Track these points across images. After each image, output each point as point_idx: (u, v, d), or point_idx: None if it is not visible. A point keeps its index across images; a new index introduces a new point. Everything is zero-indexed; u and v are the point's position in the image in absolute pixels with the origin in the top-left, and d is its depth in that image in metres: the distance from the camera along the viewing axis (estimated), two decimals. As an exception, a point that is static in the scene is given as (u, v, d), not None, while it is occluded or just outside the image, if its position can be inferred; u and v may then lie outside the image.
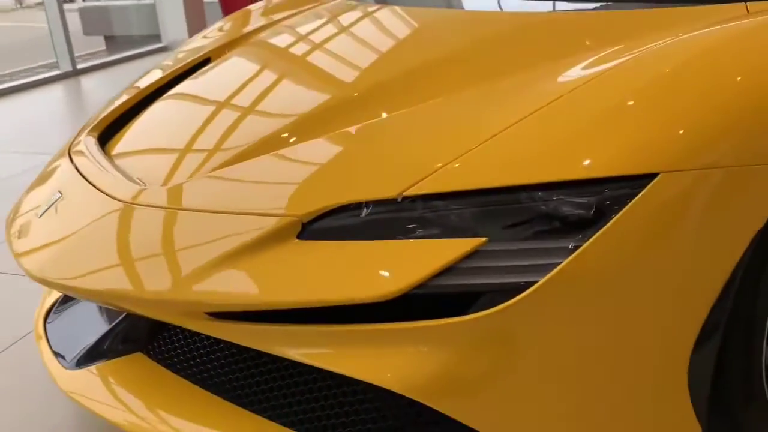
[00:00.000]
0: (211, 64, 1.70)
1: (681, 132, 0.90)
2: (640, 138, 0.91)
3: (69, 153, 1.42)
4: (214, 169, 1.15)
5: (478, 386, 0.88)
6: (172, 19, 6.60)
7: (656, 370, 0.95)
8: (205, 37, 1.98)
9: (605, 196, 0.88)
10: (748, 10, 1.19)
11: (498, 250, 0.89)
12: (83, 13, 8.77)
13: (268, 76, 1.53)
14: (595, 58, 1.08)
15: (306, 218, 0.97)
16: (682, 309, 0.93)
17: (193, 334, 1.14)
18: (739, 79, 0.97)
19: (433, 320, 0.86)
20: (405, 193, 0.94)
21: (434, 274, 0.87)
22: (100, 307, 1.32)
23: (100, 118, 1.55)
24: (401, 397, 0.89)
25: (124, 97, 1.63)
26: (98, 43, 8.08)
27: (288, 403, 1.01)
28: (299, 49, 1.68)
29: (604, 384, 0.93)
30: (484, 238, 0.89)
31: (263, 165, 1.12)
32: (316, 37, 1.70)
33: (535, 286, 0.84)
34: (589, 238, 0.85)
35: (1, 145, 3.47)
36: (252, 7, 2.16)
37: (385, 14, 1.69)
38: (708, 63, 1.00)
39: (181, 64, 1.72)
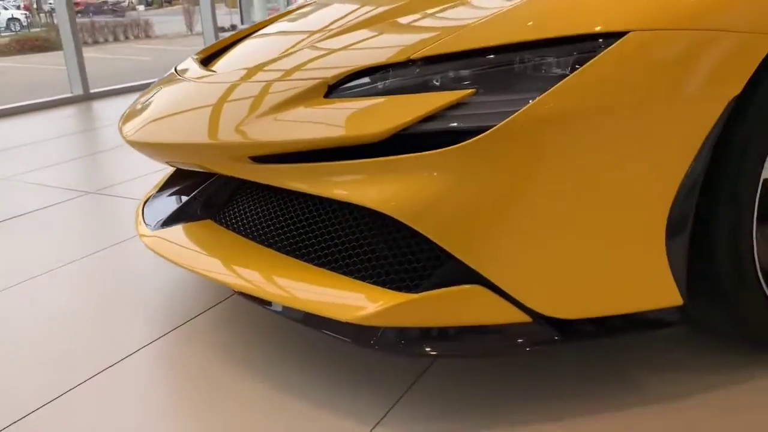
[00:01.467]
0: (299, 11, 1.98)
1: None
2: (614, 3, 1.01)
3: (175, 69, 1.73)
4: (267, 66, 1.39)
5: (456, 215, 1.01)
6: None
7: (627, 221, 1.02)
8: None
9: (577, 52, 0.99)
10: None
11: (482, 101, 1.02)
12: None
13: (334, 10, 1.77)
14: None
15: (331, 81, 1.16)
16: (650, 170, 1.00)
17: (246, 205, 1.37)
18: None
19: (415, 153, 1.01)
20: (413, 57, 1.11)
21: (422, 118, 1.02)
22: (178, 193, 1.60)
23: (205, 48, 1.87)
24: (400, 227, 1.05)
25: (229, 37, 1.95)
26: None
27: (313, 246, 1.20)
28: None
29: (576, 229, 1.02)
30: (471, 90, 1.02)
31: (304, 53, 1.35)
32: None
33: (492, 129, 0.96)
34: (544, 93, 0.96)
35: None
36: None
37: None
38: None
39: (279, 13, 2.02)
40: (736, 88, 0.99)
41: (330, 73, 1.18)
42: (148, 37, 18.84)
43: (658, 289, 1.06)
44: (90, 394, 1.26)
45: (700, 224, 1.07)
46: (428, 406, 1.16)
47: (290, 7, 2.16)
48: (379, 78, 1.14)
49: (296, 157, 1.14)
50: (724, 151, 1.03)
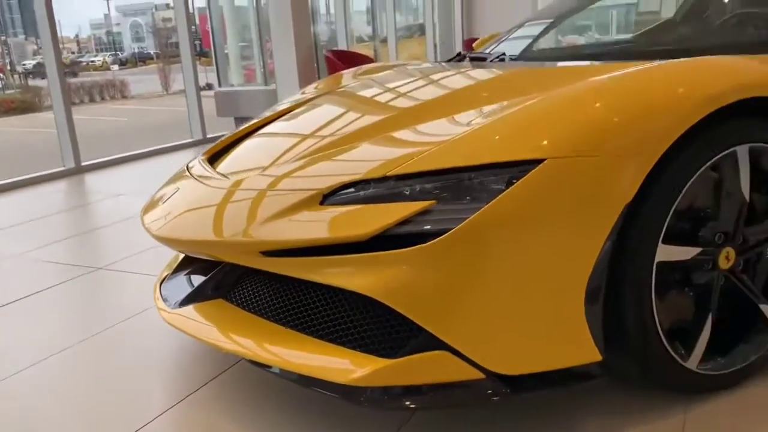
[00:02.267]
0: (295, 111, 2.33)
1: (563, 133, 1.34)
2: (536, 136, 1.36)
3: (187, 167, 2.05)
4: (268, 169, 1.72)
5: (426, 297, 1.32)
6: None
7: (555, 297, 1.34)
8: (302, 92, 2.64)
9: (509, 174, 1.32)
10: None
11: (441, 209, 1.35)
12: (218, 96, 10.13)
13: (326, 113, 2.12)
14: (522, 98, 1.57)
15: (325, 191, 1.49)
16: (570, 258, 1.33)
17: (252, 287, 1.67)
18: (606, 102, 1.41)
19: (392, 251, 1.33)
20: (388, 174, 1.44)
21: (397, 222, 1.34)
22: (190, 274, 1.89)
23: (211, 147, 2.20)
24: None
25: (233, 135, 2.28)
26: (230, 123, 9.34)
27: (310, 320, 1.50)
28: (365, 95, 2.28)
29: (516, 304, 1.34)
30: (433, 201, 1.35)
31: (302, 162, 1.68)
32: (375, 90, 2.30)
33: (450, 232, 1.29)
34: (486, 204, 1.30)
35: (143, 190, 4.31)
36: (339, 73, 2.83)
37: (405, 73, 2.25)
38: (592, 93, 1.46)
39: (275, 111, 2.37)
40: (629, 196, 1.33)
41: (324, 184, 1.51)
42: (124, 97, 19.20)
43: (580, 348, 1.38)
44: (128, 451, 1.52)
45: (613, 297, 1.40)
46: (408, 449, 1.45)
47: (285, 103, 2.50)
48: (363, 189, 1.47)
49: (299, 252, 1.45)
50: (624, 243, 1.37)
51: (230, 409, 1.66)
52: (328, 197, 1.49)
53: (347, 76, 2.74)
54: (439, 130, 1.62)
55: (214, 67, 12.32)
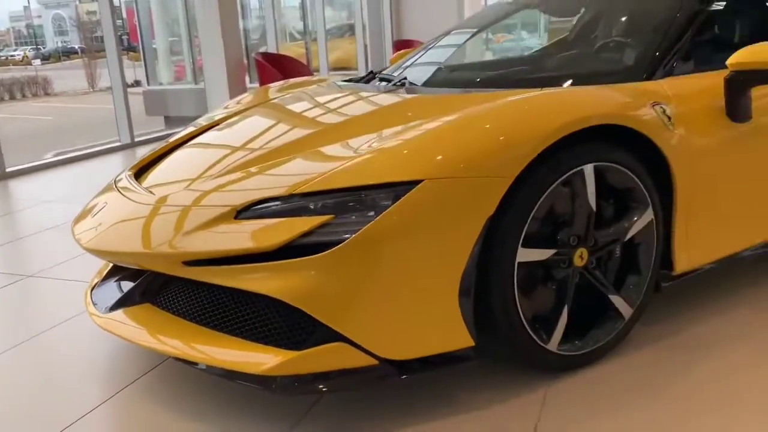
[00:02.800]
0: (218, 126, 2.53)
1: (438, 158, 1.62)
2: (418, 161, 1.63)
3: (114, 182, 2.22)
4: (191, 185, 1.92)
5: (326, 298, 1.56)
6: (219, 101, 7.62)
7: (435, 295, 1.61)
8: (225, 107, 2.84)
9: (395, 192, 1.58)
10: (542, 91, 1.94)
11: (339, 222, 1.59)
12: (146, 95, 10.04)
13: (248, 129, 2.34)
14: (416, 123, 1.84)
15: (239, 207, 1.71)
16: (445, 261, 1.60)
17: (177, 292, 1.86)
18: (475, 133, 1.71)
19: (297, 258, 1.56)
20: (294, 192, 1.67)
21: (301, 234, 1.58)
22: (119, 281, 2.07)
23: (138, 161, 2.37)
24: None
25: (159, 147, 2.45)
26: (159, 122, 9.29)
27: (228, 321, 1.71)
28: (286, 111, 2.50)
29: (402, 301, 1.60)
30: (331, 216, 1.59)
31: (221, 179, 1.90)
32: (296, 107, 2.55)
33: (346, 241, 1.54)
34: (376, 217, 1.55)
35: (71, 196, 4.37)
36: (267, 86, 3.05)
37: (328, 92, 2.51)
38: (465, 124, 1.75)
39: (198, 126, 2.57)
40: (491, 210, 1.62)
41: (239, 201, 1.73)
42: (47, 94, 18.56)
43: (456, 335, 1.65)
44: (64, 442, 1.70)
45: (483, 293, 1.68)
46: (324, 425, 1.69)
47: (205, 120, 2.70)
48: (272, 204, 1.70)
49: (217, 261, 1.66)
50: (491, 248, 1.65)
51: (161, 401, 1.86)
52: (242, 212, 1.71)
53: (273, 90, 2.96)
54: (340, 152, 1.87)
55: (142, 63, 11.80)
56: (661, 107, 1.91)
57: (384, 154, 1.73)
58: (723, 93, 2.01)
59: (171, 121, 9.63)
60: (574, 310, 1.85)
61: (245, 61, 10.62)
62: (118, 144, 6.25)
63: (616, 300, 1.90)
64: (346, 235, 1.56)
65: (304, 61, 12.67)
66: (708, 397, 1.74)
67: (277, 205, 1.69)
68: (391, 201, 1.59)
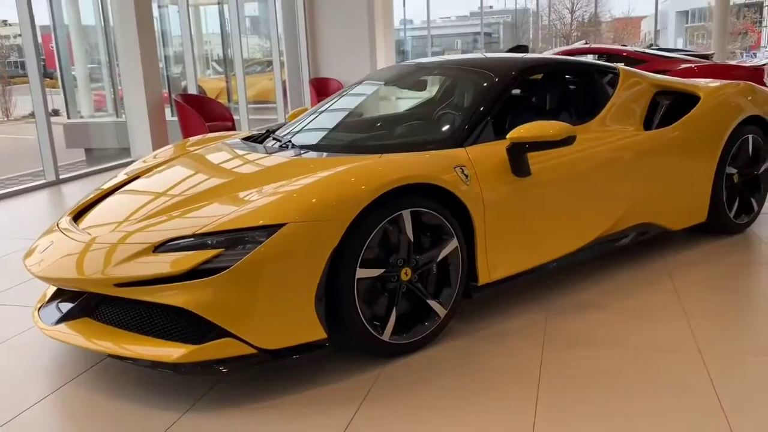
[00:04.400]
0: (147, 174, 3.19)
1: (298, 208, 2.36)
2: (284, 209, 2.37)
3: (57, 224, 2.83)
4: (119, 228, 2.59)
5: (220, 307, 2.26)
6: (140, 135, 7.97)
7: (297, 302, 2.33)
8: (154, 157, 3.49)
9: (267, 232, 2.30)
10: (380, 157, 2.72)
11: (228, 253, 2.29)
12: (67, 128, 10.29)
13: (173, 178, 3.03)
14: (287, 181, 2.59)
15: (156, 244, 2.39)
16: (303, 279, 2.33)
17: (109, 307, 2.50)
18: (324, 190, 2.46)
19: (199, 279, 2.25)
20: (196, 232, 2.37)
21: (201, 263, 2.27)
22: (62, 301, 2.67)
23: (76, 206, 2.99)
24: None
25: (93, 194, 3.08)
26: (79, 154, 9.57)
27: (143, 325, 2.37)
28: (198, 165, 3.18)
29: (273, 308, 2.31)
30: (222, 249, 2.29)
31: (143, 223, 2.57)
32: (212, 158, 3.23)
33: (232, 267, 2.25)
34: (253, 251, 2.27)
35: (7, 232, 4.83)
36: (185, 140, 3.71)
37: (227, 152, 3.23)
38: (321, 183, 2.50)
39: (127, 175, 3.23)
40: (335, 242, 2.36)
41: (156, 239, 2.41)
42: (-44, 123, 18.10)
43: (313, 330, 2.38)
44: None
45: (334, 300, 2.42)
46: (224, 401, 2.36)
47: (144, 164, 3.37)
48: (181, 241, 2.38)
49: (140, 283, 2.32)
50: (338, 269, 2.39)
51: (102, 389, 2.48)
52: (159, 247, 2.39)
53: (188, 145, 3.64)
54: (231, 203, 2.58)
55: (61, 91, 11.39)
56: (461, 168, 2.73)
57: (261, 205, 2.46)
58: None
59: (92, 154, 9.94)
60: (403, 311, 2.62)
61: (167, 92, 10.89)
62: (43, 181, 6.61)
63: (434, 304, 2.68)
64: (232, 264, 2.27)
65: (225, 95, 13.19)
66: (500, 371, 2.53)
67: (184, 241, 2.38)
68: (265, 238, 2.31)
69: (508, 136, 2.84)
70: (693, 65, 7.47)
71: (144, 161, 3.50)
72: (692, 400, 2.25)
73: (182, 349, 2.28)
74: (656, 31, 27.03)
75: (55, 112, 14.98)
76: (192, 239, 2.38)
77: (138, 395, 2.42)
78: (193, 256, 2.31)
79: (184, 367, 2.29)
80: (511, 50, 3.86)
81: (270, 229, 2.32)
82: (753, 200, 3.99)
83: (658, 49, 10.01)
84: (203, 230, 2.39)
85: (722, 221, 3.84)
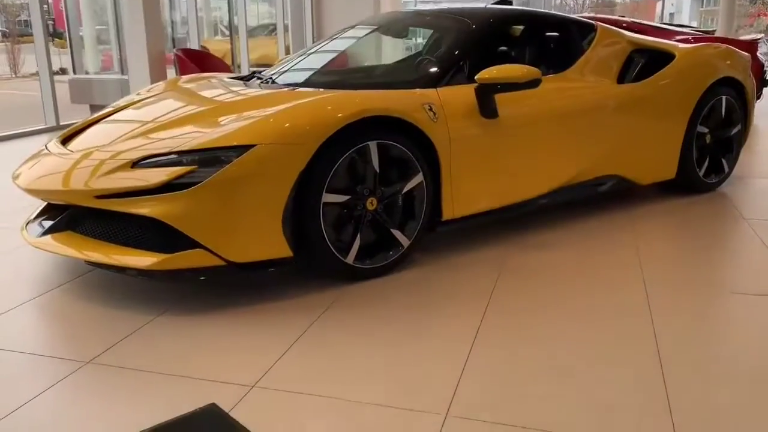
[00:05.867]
0: (136, 105, 3.35)
1: (268, 131, 2.50)
2: (256, 131, 2.51)
3: (46, 146, 2.99)
4: (103, 148, 2.75)
5: (192, 219, 2.42)
6: (141, 89, 8.12)
7: (264, 220, 2.49)
8: (148, 90, 3.65)
9: (237, 152, 2.45)
10: (356, 92, 2.86)
11: (200, 171, 2.44)
12: (72, 83, 10.43)
13: (160, 108, 3.19)
14: (263, 109, 2.73)
15: (135, 160, 2.54)
16: (271, 198, 2.48)
17: (90, 222, 2.66)
18: (295, 117, 2.61)
19: (174, 192, 2.41)
20: (173, 150, 2.53)
21: (175, 177, 2.42)
22: (47, 219, 2.84)
23: (65, 131, 3.15)
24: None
25: (83, 121, 3.24)
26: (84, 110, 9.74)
27: (121, 236, 2.54)
28: (184, 97, 3.33)
29: (242, 224, 2.47)
30: (195, 167, 2.45)
31: (126, 143, 2.73)
32: (198, 90, 3.38)
33: (204, 182, 2.41)
34: (223, 168, 2.42)
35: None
36: (178, 77, 3.86)
37: (217, 85, 3.36)
38: (291, 110, 2.64)
39: (113, 107, 3.37)
40: (302, 166, 2.51)
41: (135, 156, 2.57)
42: (-36, 79, 18.27)
43: (280, 248, 2.55)
44: None
45: (300, 222, 2.57)
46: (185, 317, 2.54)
47: (138, 96, 3.52)
48: (158, 159, 2.53)
49: (119, 195, 2.49)
50: (305, 192, 2.54)
51: (82, 296, 2.66)
52: (137, 163, 2.55)
53: (181, 81, 3.78)
54: (209, 126, 2.73)
55: (69, 51, 11.70)
56: (430, 106, 2.86)
57: (235, 127, 2.60)
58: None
59: (96, 110, 10.07)
60: (368, 239, 2.78)
61: (172, 54, 11.04)
62: (44, 126, 6.82)
63: (398, 234, 2.83)
64: (205, 178, 2.42)
65: (230, 57, 13.27)
66: (453, 295, 2.69)
67: (161, 159, 2.54)
68: (236, 157, 2.46)
69: (476, 77, 2.96)
70: (689, 36, 7.53)
71: (138, 94, 3.65)
72: (630, 330, 2.40)
73: (155, 258, 2.45)
74: (670, 15, 26.84)
75: (63, 71, 15.09)
76: (168, 157, 2.53)
77: (112, 301, 2.60)
78: (167, 172, 2.47)
79: (157, 274, 2.47)
80: (496, 3, 3.98)
81: (241, 150, 2.47)
82: (724, 161, 4.11)
83: (660, 23, 10.01)
84: (179, 149, 2.54)
85: (691, 179, 3.97)
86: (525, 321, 2.46)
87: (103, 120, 3.23)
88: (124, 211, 2.49)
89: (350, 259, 2.72)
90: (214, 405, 1.88)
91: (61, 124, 6.93)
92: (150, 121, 2.99)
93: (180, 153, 2.53)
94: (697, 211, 3.79)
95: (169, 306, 2.57)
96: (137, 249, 2.51)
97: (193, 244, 2.45)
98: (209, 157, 2.49)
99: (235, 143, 2.50)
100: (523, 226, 3.45)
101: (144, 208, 2.45)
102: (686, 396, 1.95)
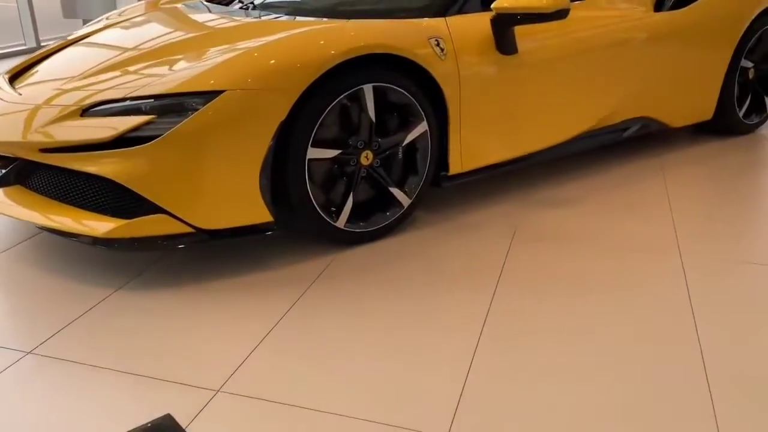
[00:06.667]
0: (103, 32, 2.90)
1: (238, 74, 2.09)
2: (224, 74, 2.10)
3: (-9, 84, 2.59)
4: (53, 87, 2.33)
5: (149, 180, 2.04)
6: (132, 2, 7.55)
7: (237, 180, 2.12)
8: (119, 14, 3.17)
9: (204, 99, 2.04)
10: (346, 21, 2.40)
11: (159, 121, 2.05)
12: (63, -3, 9.77)
13: (131, 37, 2.75)
14: (234, 45, 2.31)
15: (84, 107, 2.14)
16: (245, 155, 2.10)
17: (41, 176, 2.28)
18: (273, 55, 2.17)
19: (127, 149, 2.02)
20: (128, 95, 2.12)
21: (129, 130, 2.03)
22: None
23: (14, 66, 2.72)
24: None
25: (38, 53, 2.80)
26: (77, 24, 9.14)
27: (75, 196, 2.17)
28: (165, 24, 2.87)
29: (213, 187, 2.10)
30: (154, 116, 2.05)
31: (76, 84, 2.31)
32: (173, 16, 2.94)
33: (164, 135, 2.01)
34: (187, 119, 2.02)
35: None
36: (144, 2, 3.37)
37: (193, 10, 2.89)
38: (267, 48, 2.21)
39: (76, 35, 2.92)
40: (282, 116, 2.10)
41: (86, 102, 2.16)
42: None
43: (258, 212, 2.18)
44: (-53, 289, 2.16)
45: (283, 180, 2.19)
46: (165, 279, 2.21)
47: (107, 21, 3.07)
48: (112, 106, 2.13)
49: (68, 149, 2.10)
50: (287, 147, 2.15)
51: (36, 261, 2.33)
52: (87, 111, 2.14)
53: (148, 5, 3.29)
54: (174, 64, 2.30)
55: None
56: (437, 41, 2.41)
57: (203, 69, 2.17)
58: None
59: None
60: (363, 198, 2.41)
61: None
62: (23, 47, 6.30)
63: (396, 192, 2.46)
64: (165, 131, 2.03)
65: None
66: (461, 263, 2.34)
67: (115, 106, 2.13)
68: (201, 105, 2.05)
69: (493, 5, 2.49)
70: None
71: (107, 18, 3.18)
72: (661, 305, 2.06)
73: (111, 224, 2.09)
74: None
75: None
76: (123, 103, 2.12)
77: (70, 270, 2.27)
78: (121, 122, 2.07)
79: (117, 243, 2.11)
80: None
81: (208, 96, 2.06)
82: (767, 99, 3.65)
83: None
84: (135, 93, 2.13)
85: (730, 120, 3.52)
86: (540, 290, 2.12)
87: (60, 51, 2.79)
88: (71, 168, 2.12)
89: (341, 222, 2.35)
90: (169, 417, 1.58)
91: (43, 44, 6.40)
92: (114, 55, 2.54)
93: (136, 99, 2.12)
94: (736, 159, 3.37)
95: (128, 278, 2.24)
96: (94, 212, 2.15)
97: (154, 208, 2.09)
98: (170, 105, 2.07)
99: (199, 89, 2.08)
100: (538, 178, 3.06)
101: (93, 165, 2.07)
102: (725, 375, 1.63)
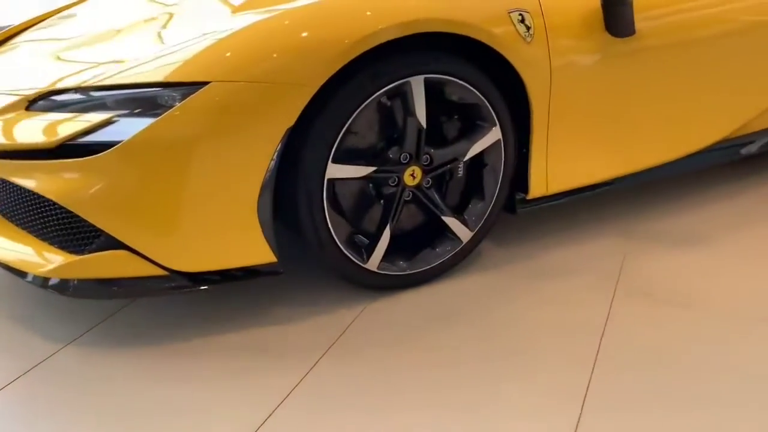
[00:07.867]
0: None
1: (228, 60, 1.46)
2: (207, 62, 1.48)
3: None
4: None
5: (103, 203, 1.47)
6: None
7: (227, 207, 1.51)
8: None
9: (184, 92, 1.44)
10: None
11: (121, 122, 1.46)
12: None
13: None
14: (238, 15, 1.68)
15: (30, 98, 1.58)
16: (238, 171, 1.48)
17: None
18: (275, 37, 1.52)
19: (75, 160, 1.45)
20: (82, 84, 1.54)
21: (78, 134, 1.45)
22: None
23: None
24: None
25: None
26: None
27: (21, 216, 1.62)
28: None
29: (195, 213, 1.50)
30: (112, 114, 1.46)
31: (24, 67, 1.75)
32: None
33: (126, 140, 1.42)
34: (157, 119, 1.42)
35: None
36: None
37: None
38: (264, 27, 1.56)
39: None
40: (290, 121, 1.47)
41: (32, 92, 1.59)
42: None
43: (256, 250, 1.57)
44: None
45: (291, 209, 1.58)
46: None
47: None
48: (64, 97, 1.56)
49: (5, 155, 1.55)
50: (295, 162, 1.53)
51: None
52: (35, 102, 1.58)
53: None
54: (139, 49, 1.71)
55: None
56: (520, 14, 1.70)
57: (186, 54, 1.54)
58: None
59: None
60: (408, 227, 1.76)
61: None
62: None
63: (452, 222, 1.79)
64: (127, 135, 1.44)
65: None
66: (541, 329, 1.67)
67: (68, 98, 1.56)
68: (178, 101, 1.44)
69: (604, -33, 1.75)
70: None
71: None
72: None
73: (60, 257, 1.54)
74: None
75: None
76: (76, 94, 1.54)
77: (12, 316, 1.75)
78: (71, 123, 1.48)
79: (71, 286, 1.54)
80: None
81: (186, 89, 1.45)
82: None
83: None
84: (92, 83, 1.55)
85: None
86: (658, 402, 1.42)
87: (30, 29, 2.22)
88: (9, 180, 1.57)
89: (373, 263, 1.71)
90: None
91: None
92: (80, 34, 1.98)
93: (93, 90, 1.54)
94: None
95: (94, 323, 1.69)
96: (41, 241, 1.59)
97: (113, 243, 1.51)
98: (135, 99, 1.48)
99: (175, 79, 1.47)
100: (645, 204, 2.30)
101: (31, 179, 1.51)
102: None
